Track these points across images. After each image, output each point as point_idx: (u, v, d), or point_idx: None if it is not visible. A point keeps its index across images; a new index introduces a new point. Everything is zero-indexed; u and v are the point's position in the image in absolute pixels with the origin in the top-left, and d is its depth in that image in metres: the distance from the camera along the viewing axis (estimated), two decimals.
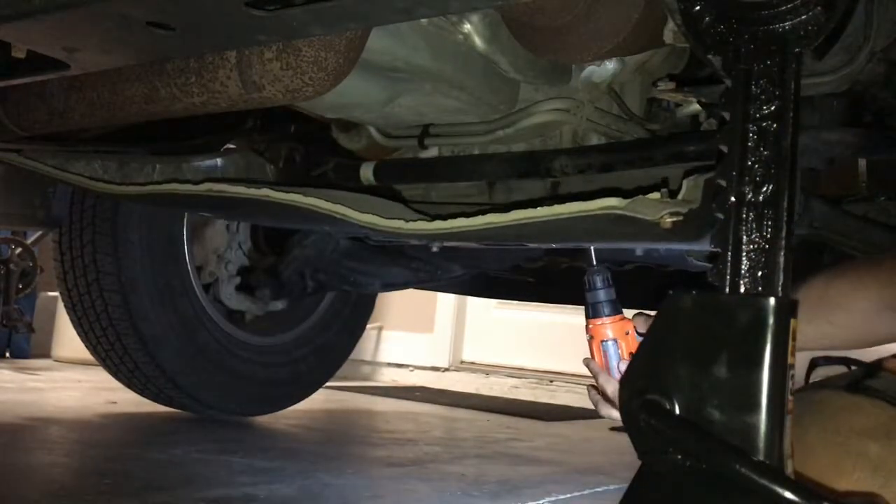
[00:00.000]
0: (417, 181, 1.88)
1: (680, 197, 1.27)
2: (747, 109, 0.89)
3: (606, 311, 1.52)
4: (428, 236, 1.51)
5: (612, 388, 1.42)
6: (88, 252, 2.54)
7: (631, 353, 1.45)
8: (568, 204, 1.34)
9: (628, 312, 1.51)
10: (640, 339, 1.42)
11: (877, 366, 1.13)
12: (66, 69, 1.27)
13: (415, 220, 1.50)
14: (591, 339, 1.52)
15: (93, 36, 1.17)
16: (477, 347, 5.19)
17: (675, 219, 1.25)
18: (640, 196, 1.30)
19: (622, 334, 1.49)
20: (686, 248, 1.41)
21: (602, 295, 1.52)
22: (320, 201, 1.56)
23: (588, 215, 1.33)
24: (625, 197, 1.32)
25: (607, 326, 1.50)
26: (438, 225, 1.47)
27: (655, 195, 1.29)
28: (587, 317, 1.54)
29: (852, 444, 1.00)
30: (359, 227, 1.58)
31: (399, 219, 1.51)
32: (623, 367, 1.46)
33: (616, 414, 1.42)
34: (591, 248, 1.66)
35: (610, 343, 1.49)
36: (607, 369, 1.49)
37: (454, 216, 1.46)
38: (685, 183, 1.27)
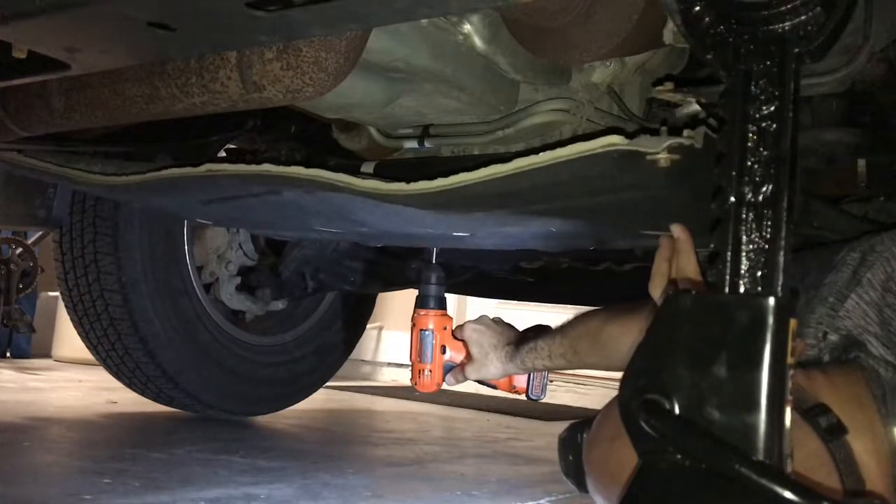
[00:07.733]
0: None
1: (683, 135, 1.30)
2: (747, 109, 0.89)
3: (432, 304, 1.72)
4: (432, 195, 1.51)
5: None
6: (89, 252, 2.54)
7: (443, 346, 1.67)
8: (570, 146, 1.35)
9: None
10: (457, 340, 1.67)
11: None
12: (67, 69, 1.27)
13: (416, 181, 1.51)
14: (413, 325, 1.70)
15: (93, 36, 1.17)
16: None
17: (674, 156, 1.27)
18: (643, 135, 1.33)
19: (440, 328, 1.68)
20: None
21: (433, 290, 1.73)
22: (321, 171, 1.58)
23: (592, 156, 1.33)
24: None
25: (430, 318, 1.70)
26: (441, 182, 1.48)
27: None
28: (415, 306, 1.74)
29: None
30: (360, 200, 1.59)
31: (401, 181, 1.53)
32: (431, 355, 1.68)
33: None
34: (434, 248, 1.88)
35: (428, 332, 1.68)
36: (419, 355, 1.68)
37: (455, 172, 1.47)
38: (686, 131, 1.28)
